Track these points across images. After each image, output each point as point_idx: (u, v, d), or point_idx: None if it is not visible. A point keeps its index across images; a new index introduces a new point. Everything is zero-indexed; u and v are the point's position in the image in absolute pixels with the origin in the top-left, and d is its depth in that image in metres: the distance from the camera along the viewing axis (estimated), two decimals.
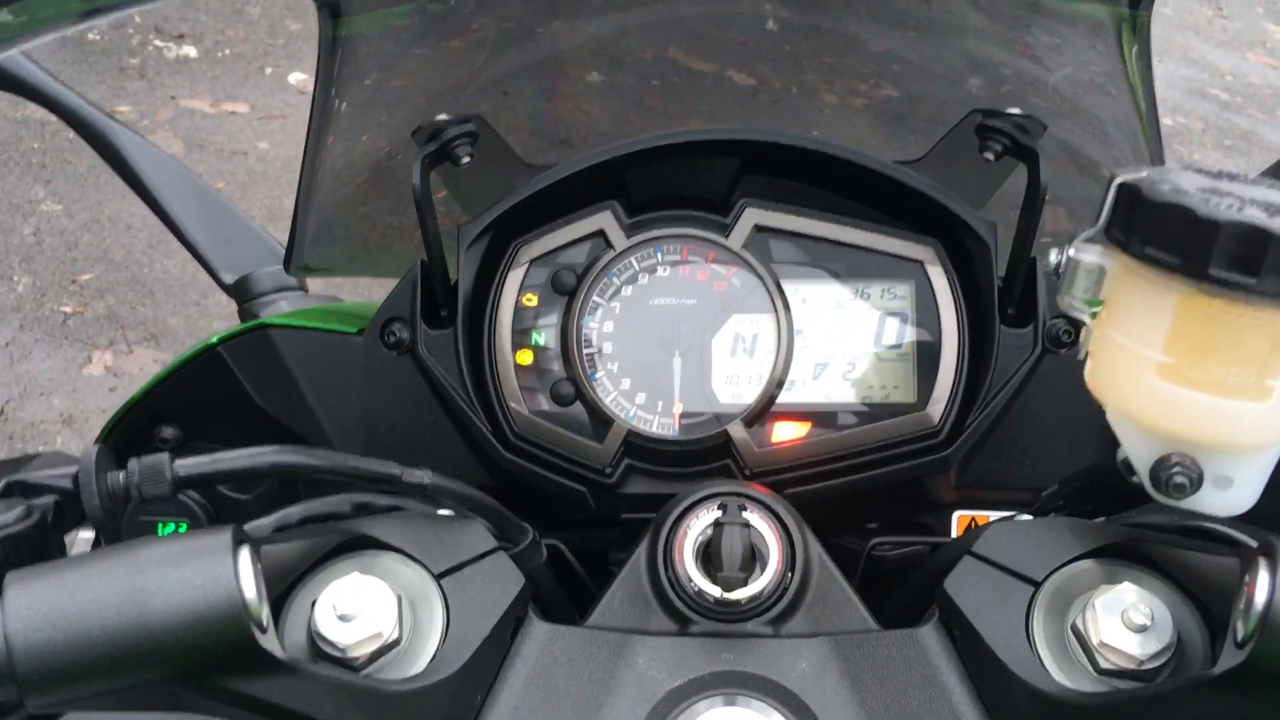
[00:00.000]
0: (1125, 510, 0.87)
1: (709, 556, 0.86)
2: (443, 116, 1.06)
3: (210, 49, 5.49)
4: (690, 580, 0.85)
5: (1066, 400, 1.10)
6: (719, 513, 0.88)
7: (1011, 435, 1.11)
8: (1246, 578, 0.66)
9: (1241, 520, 0.71)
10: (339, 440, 1.12)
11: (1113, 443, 1.08)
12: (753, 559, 0.86)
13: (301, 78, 5.41)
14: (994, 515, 1.15)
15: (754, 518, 0.88)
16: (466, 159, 1.07)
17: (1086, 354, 0.74)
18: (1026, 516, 0.89)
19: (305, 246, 1.23)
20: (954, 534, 1.15)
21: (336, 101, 1.19)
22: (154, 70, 5.40)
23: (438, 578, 0.82)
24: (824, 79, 1.44)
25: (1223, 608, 0.73)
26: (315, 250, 1.25)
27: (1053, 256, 0.72)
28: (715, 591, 0.84)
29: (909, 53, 1.37)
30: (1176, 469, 0.67)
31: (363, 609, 0.77)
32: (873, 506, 1.16)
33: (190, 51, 5.51)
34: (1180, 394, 0.66)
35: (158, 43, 5.56)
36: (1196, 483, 0.67)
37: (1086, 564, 0.81)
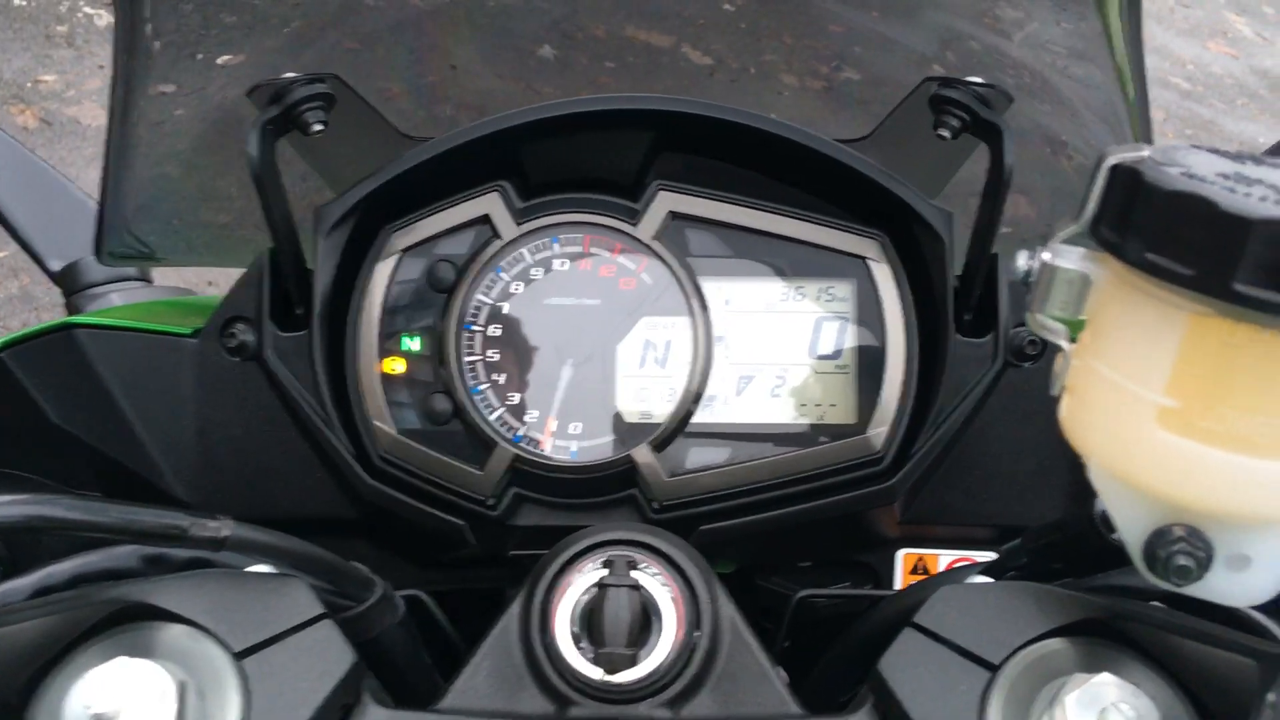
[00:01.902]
0: (1103, 570, 0.71)
1: (591, 626, 0.69)
2: (289, 75, 0.87)
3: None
4: (566, 658, 0.69)
5: (1031, 422, 0.94)
6: (605, 572, 0.71)
7: (966, 463, 0.95)
8: (1271, 695, 0.49)
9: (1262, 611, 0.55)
10: (169, 467, 0.94)
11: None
12: (645, 628, 0.69)
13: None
14: (945, 555, 0.99)
15: (648, 575, 0.71)
16: (318, 127, 0.89)
17: (1063, 389, 0.58)
18: (982, 578, 0.72)
19: (121, 228, 1.03)
20: (899, 576, 0.99)
21: (152, 42, 0.99)
22: (83, 38, 5.17)
23: (237, 657, 0.65)
24: (783, 59, 1.35)
25: (1228, 713, 0.57)
26: (136, 233, 1.05)
27: (1021, 260, 0.55)
28: (596, 674, 0.67)
29: (871, 32, 1.26)
30: (1179, 546, 0.51)
31: (128, 706, 0.60)
32: (805, 544, 0.99)
33: None
34: (1187, 449, 0.49)
35: (87, 9, 5.31)
36: (1205, 564, 0.51)
37: (1056, 644, 0.65)
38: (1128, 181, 0.49)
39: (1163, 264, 0.47)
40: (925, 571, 0.98)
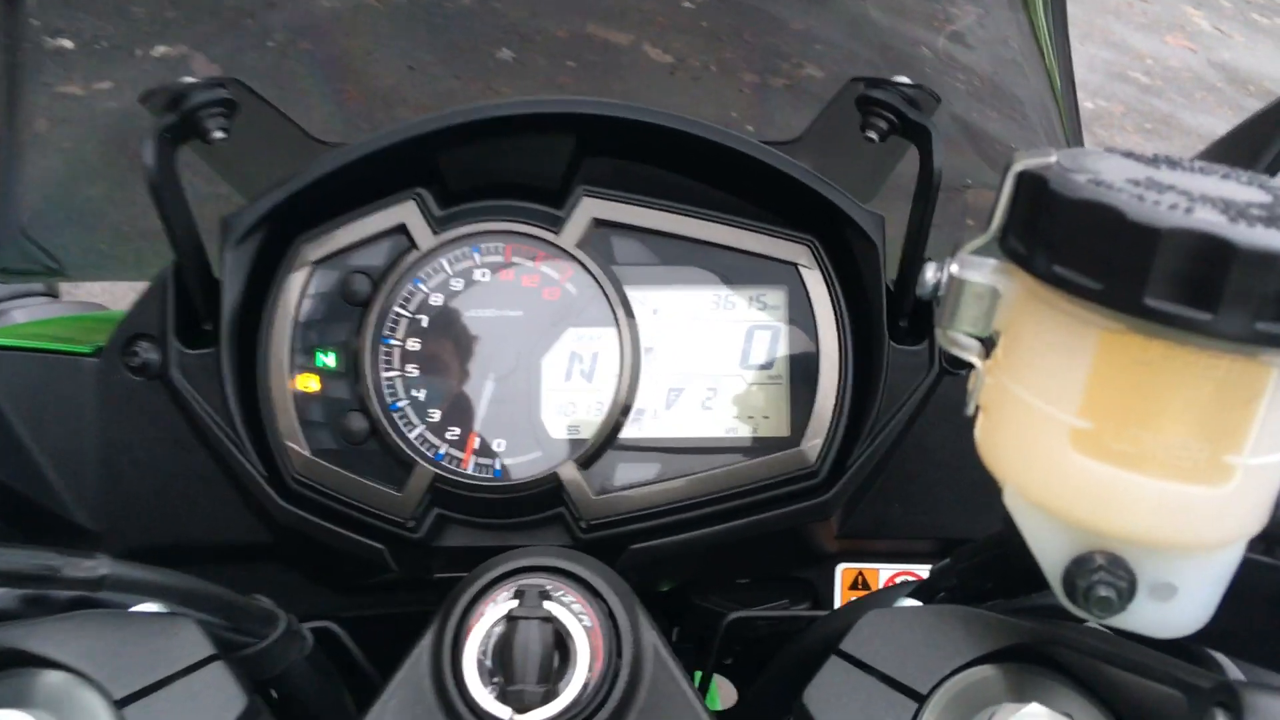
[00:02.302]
0: (1037, 590, 0.68)
1: (501, 660, 0.65)
2: (185, 80, 0.83)
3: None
4: (474, 695, 0.65)
5: (968, 432, 0.90)
6: (515, 603, 0.67)
7: (905, 475, 0.92)
8: None
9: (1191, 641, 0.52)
10: (71, 493, 0.89)
11: None
12: (564, 660, 0.66)
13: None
14: (885, 570, 0.96)
15: (561, 605, 0.68)
16: (219, 134, 0.85)
17: (976, 408, 0.54)
18: (911, 601, 0.69)
19: (13, 239, 0.99)
20: (838, 593, 0.96)
21: (42, 37, 0.94)
22: None
23: (118, 705, 0.61)
24: (743, 57, 1.35)
25: None
26: (38, 244, 1.00)
27: (929, 273, 0.52)
28: (504, 713, 0.64)
29: (822, 27, 1.25)
30: (1100, 575, 0.48)
31: None
32: (741, 560, 0.96)
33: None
34: (1103, 472, 0.46)
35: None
36: (1127, 594, 0.48)
37: (984, 671, 0.62)
38: (1034, 189, 0.46)
39: (1070, 277, 0.44)
40: (866, 586, 0.95)
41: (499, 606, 0.68)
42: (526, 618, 0.66)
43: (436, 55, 1.26)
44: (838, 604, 0.96)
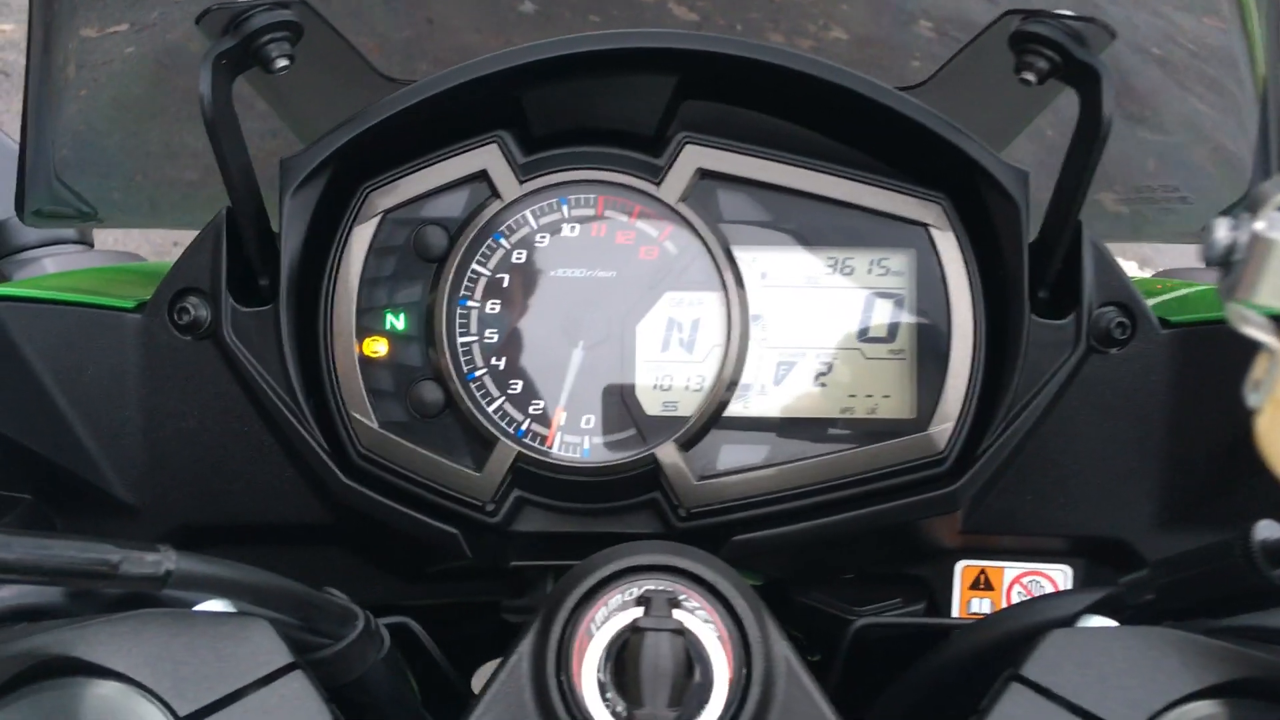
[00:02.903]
0: (1245, 611, 0.58)
1: (622, 676, 0.56)
2: None
3: None
4: (591, 715, 0.56)
5: (1117, 417, 0.81)
6: (639, 610, 0.58)
7: (1039, 464, 0.82)
8: None
9: None
10: (110, 465, 0.80)
11: (1215, 491, 0.79)
12: (689, 677, 0.56)
13: None
14: (1010, 568, 0.86)
15: (691, 615, 0.58)
16: (283, 62, 0.75)
17: (1264, 404, 0.44)
18: (1099, 619, 0.59)
19: (46, 182, 0.88)
20: (957, 592, 0.86)
21: None
22: None
23: None
24: (769, 17, 1.27)
25: None
26: (71, 187, 0.90)
27: (1222, 231, 0.42)
28: None
29: None
30: None
31: None
32: (850, 555, 0.87)
33: None
34: None
35: None
36: None
37: (1208, 708, 0.53)
38: None
39: None
40: (988, 586, 0.86)
41: (621, 615, 0.59)
42: (655, 629, 0.57)
43: (456, 7, 1.20)
44: (956, 605, 0.87)
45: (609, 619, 0.59)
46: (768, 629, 0.61)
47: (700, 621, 0.59)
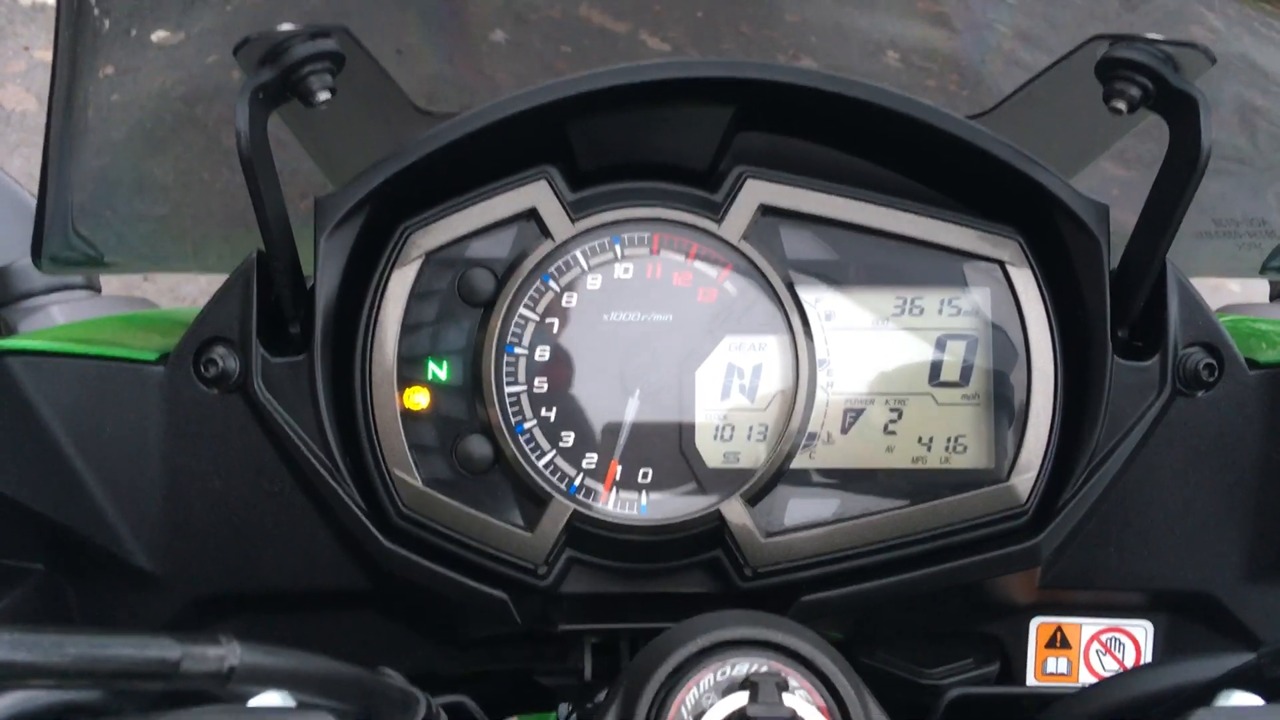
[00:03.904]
0: None
1: None
2: (286, 26, 0.67)
3: None
4: None
5: (1204, 464, 0.77)
6: (741, 695, 0.53)
7: (1122, 514, 0.78)
8: None
9: None
10: (130, 531, 0.74)
11: None
12: None
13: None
14: (1088, 624, 0.82)
15: (800, 700, 0.53)
16: (324, 94, 0.69)
17: None
18: (1247, 697, 0.54)
19: (65, 227, 0.82)
20: (1032, 651, 0.81)
21: (101, 20, 0.78)
22: (5, 18, 4.88)
23: None
24: (741, 48, 1.29)
25: None
26: (85, 232, 0.84)
27: None
28: None
29: (826, 21, 1.21)
30: None
31: None
32: (923, 613, 0.82)
33: None
34: None
35: None
36: None
37: None
38: None
39: None
40: (1065, 644, 0.81)
41: (722, 702, 0.53)
42: (770, 718, 0.51)
43: (425, 38, 1.16)
44: (1031, 664, 0.82)
45: (706, 703, 0.54)
46: (871, 713, 0.56)
47: (808, 706, 0.54)
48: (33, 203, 1.03)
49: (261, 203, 0.69)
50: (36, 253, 0.80)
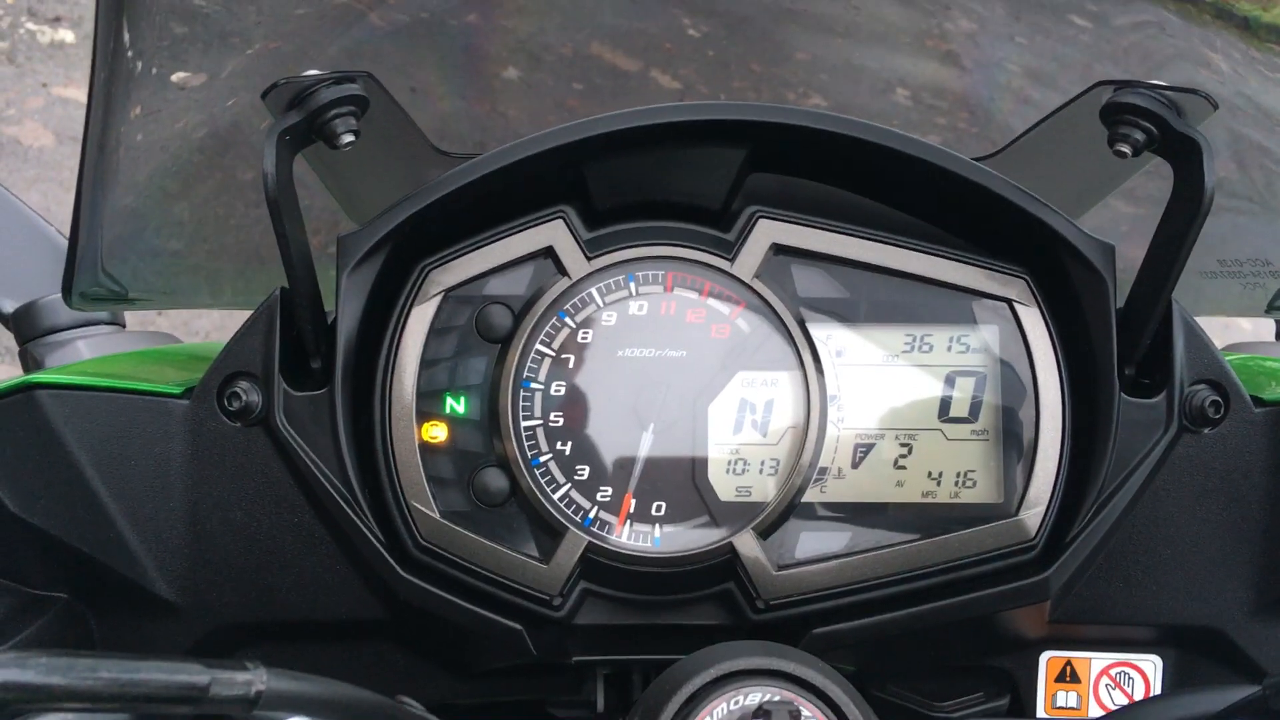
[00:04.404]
0: None
1: None
2: (313, 72, 0.69)
3: (90, 33, 5.01)
4: None
5: (1210, 500, 0.78)
6: None
7: (1130, 549, 0.79)
8: None
9: None
10: (153, 561, 0.75)
11: None
12: None
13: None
14: (1098, 659, 0.82)
15: None
16: (349, 138, 0.71)
17: None
18: None
19: (95, 264, 0.84)
20: (1042, 684, 0.82)
21: (129, 36, 0.80)
22: (24, 55, 4.94)
23: None
24: (752, 85, 1.31)
25: None
26: (113, 270, 0.86)
27: None
28: None
29: (835, 59, 1.23)
30: None
31: None
32: (933, 646, 0.82)
33: (67, 36, 5.06)
34: None
35: (29, 25, 5.10)
36: None
37: None
38: None
39: None
40: (1075, 678, 0.82)
41: None
42: None
43: (440, 76, 1.19)
44: (1041, 698, 0.82)
45: None
46: None
47: None
48: (56, 238, 1.05)
49: (286, 241, 0.71)
50: (67, 290, 0.82)
